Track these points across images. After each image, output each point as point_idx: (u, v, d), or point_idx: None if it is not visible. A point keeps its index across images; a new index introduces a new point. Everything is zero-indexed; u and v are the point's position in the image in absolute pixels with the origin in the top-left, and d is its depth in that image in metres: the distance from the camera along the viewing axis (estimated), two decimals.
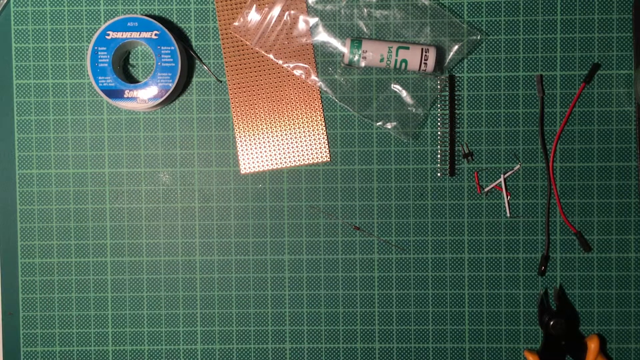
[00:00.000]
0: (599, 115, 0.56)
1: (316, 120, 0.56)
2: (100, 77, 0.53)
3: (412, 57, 0.51)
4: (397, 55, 0.50)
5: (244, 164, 0.56)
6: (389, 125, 0.53)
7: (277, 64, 0.55)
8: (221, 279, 0.57)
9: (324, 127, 0.56)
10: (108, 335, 0.57)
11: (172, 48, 0.53)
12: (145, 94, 0.53)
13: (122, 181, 0.56)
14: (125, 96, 0.53)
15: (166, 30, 0.53)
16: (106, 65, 0.53)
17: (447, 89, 0.55)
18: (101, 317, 0.57)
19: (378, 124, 0.54)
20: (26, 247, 0.57)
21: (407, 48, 0.51)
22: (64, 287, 0.57)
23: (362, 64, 0.52)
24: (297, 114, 0.56)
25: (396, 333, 0.57)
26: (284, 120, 0.56)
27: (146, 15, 0.55)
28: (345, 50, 0.52)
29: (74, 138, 0.56)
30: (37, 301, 0.57)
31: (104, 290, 0.57)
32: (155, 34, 0.53)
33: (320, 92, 0.56)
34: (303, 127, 0.56)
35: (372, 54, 0.51)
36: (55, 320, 0.57)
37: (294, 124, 0.56)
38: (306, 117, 0.56)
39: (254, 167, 0.56)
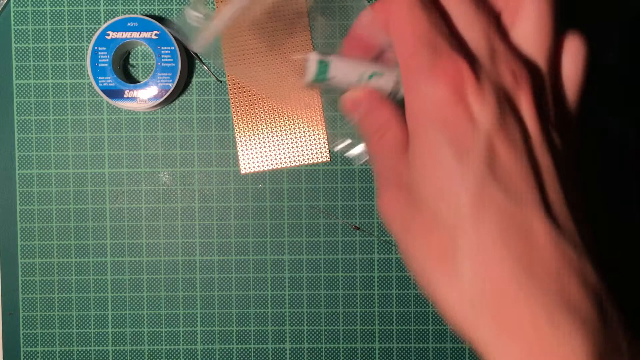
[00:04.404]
0: None
1: (316, 120, 0.56)
2: (100, 77, 0.53)
3: (386, 86, 0.42)
4: (368, 81, 0.42)
5: (244, 164, 0.56)
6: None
7: (278, 64, 0.55)
8: (221, 279, 0.57)
9: (324, 127, 0.56)
10: (108, 335, 0.57)
11: (172, 48, 0.53)
12: (145, 94, 0.53)
13: (122, 181, 0.56)
14: (125, 96, 0.53)
15: (166, 30, 0.53)
16: (106, 65, 0.53)
17: None
18: (101, 317, 0.57)
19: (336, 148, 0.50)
20: (26, 247, 0.57)
21: (382, 74, 0.42)
22: (64, 287, 0.57)
23: (327, 87, 0.43)
24: (297, 114, 0.56)
25: (396, 333, 0.57)
26: (284, 120, 0.56)
27: (146, 15, 0.55)
28: (310, 68, 0.43)
29: (74, 138, 0.56)
30: (37, 301, 0.57)
31: (104, 290, 0.57)
32: (155, 34, 0.53)
33: (320, 92, 0.56)
34: (303, 127, 0.56)
35: (340, 80, 0.42)
36: (55, 320, 0.57)
37: (294, 124, 0.56)
38: (306, 117, 0.56)
39: (254, 167, 0.56)
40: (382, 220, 0.56)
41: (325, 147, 0.56)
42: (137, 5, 0.56)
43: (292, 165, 0.56)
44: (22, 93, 0.56)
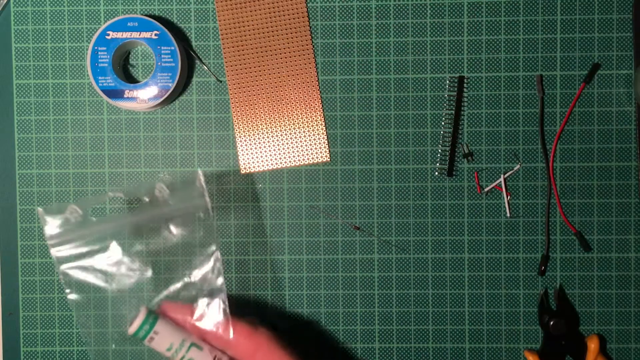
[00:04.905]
0: (599, 115, 0.56)
1: (316, 120, 0.56)
2: (100, 77, 0.53)
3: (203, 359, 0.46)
4: (187, 351, 0.45)
5: (244, 164, 0.56)
6: None
7: (277, 64, 0.55)
8: None
9: (324, 127, 0.56)
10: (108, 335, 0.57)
11: (172, 48, 0.53)
12: (145, 94, 0.53)
13: (122, 181, 0.56)
14: (125, 96, 0.53)
15: (166, 30, 0.53)
16: (106, 65, 0.53)
17: (456, 89, 0.55)
18: (101, 317, 0.57)
19: None
20: (26, 247, 0.57)
21: (201, 349, 0.45)
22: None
23: (148, 343, 0.46)
24: (297, 114, 0.56)
25: (396, 333, 0.57)
26: (284, 120, 0.56)
27: (146, 15, 0.55)
28: (138, 319, 0.45)
29: (74, 138, 0.56)
30: (37, 301, 0.57)
31: (104, 290, 0.57)
32: (155, 34, 0.53)
33: (320, 92, 0.56)
34: (303, 127, 0.56)
35: (162, 339, 0.45)
36: (55, 320, 0.57)
37: (294, 124, 0.56)
38: (306, 117, 0.56)
39: (254, 167, 0.56)
40: (382, 220, 0.56)
41: (325, 147, 0.56)
42: (137, 5, 0.56)
43: (292, 165, 0.56)
44: (22, 93, 0.56)
